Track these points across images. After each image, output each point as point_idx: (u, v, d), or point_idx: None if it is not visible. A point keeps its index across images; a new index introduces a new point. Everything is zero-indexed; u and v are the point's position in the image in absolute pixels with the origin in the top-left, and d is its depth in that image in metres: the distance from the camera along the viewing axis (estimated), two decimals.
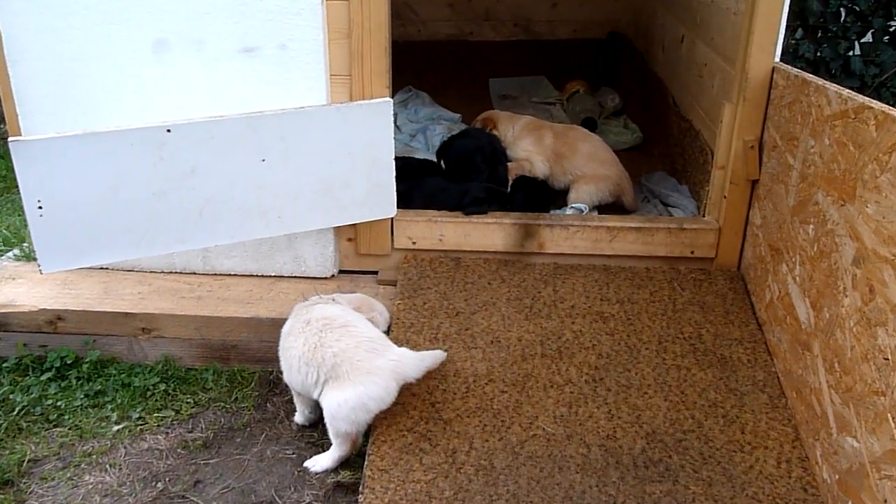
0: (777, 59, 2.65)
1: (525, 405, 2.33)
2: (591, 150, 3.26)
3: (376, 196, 2.73)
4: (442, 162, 3.21)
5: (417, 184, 3.05)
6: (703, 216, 2.98)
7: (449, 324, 2.65)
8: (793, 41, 4.55)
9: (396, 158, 2.73)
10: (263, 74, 2.58)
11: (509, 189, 3.19)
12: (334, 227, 2.88)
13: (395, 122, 3.70)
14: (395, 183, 2.74)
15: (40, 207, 2.27)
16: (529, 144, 3.29)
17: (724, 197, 2.86)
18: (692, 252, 2.92)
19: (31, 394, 2.59)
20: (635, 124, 4.30)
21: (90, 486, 2.22)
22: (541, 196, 3.19)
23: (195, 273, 3.00)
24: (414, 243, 2.96)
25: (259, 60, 2.56)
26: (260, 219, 2.59)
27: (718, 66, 3.04)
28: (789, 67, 2.59)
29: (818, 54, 4.49)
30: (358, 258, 2.99)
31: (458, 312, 2.70)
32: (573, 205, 3.17)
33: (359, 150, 2.63)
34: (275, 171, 2.54)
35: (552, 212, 3.17)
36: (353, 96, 2.66)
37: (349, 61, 2.61)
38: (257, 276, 2.98)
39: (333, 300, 2.22)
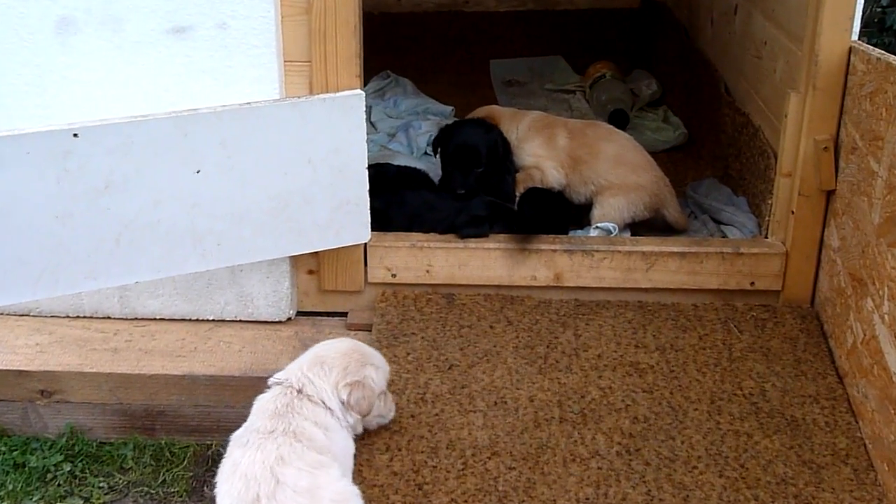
0: (855, 36, 2.71)
1: (539, 485, 2.32)
2: (618, 152, 3.28)
3: (344, 216, 2.76)
4: (438, 151, 3.28)
5: (397, 199, 3.08)
6: (766, 237, 3.04)
7: (440, 380, 2.64)
8: (878, 9, 4.59)
9: (370, 166, 2.77)
10: (198, 61, 2.61)
11: (517, 205, 3.25)
12: (291, 257, 2.90)
13: (368, 117, 3.75)
14: (368, 199, 2.78)
15: None
16: (538, 147, 3.32)
17: (792, 212, 2.91)
18: (752, 284, 2.96)
19: None
20: (678, 118, 4.30)
21: None
22: (557, 213, 3.22)
23: (110, 318, 3.00)
24: (394, 276, 2.97)
25: (192, 43, 2.59)
26: (194, 247, 2.60)
27: (782, 45, 3.09)
28: (870, 48, 2.63)
29: None
30: (321, 296, 3.00)
31: (451, 365, 2.70)
32: (598, 224, 3.20)
33: (321, 157, 2.66)
34: (213, 185, 2.56)
35: (572, 233, 3.20)
36: (314, 88, 2.70)
37: (308, 43, 2.66)
38: (191, 320, 2.99)
39: (307, 378, 2.20)
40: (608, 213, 3.21)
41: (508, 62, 5.16)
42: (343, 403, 2.23)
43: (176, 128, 2.46)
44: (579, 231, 3.25)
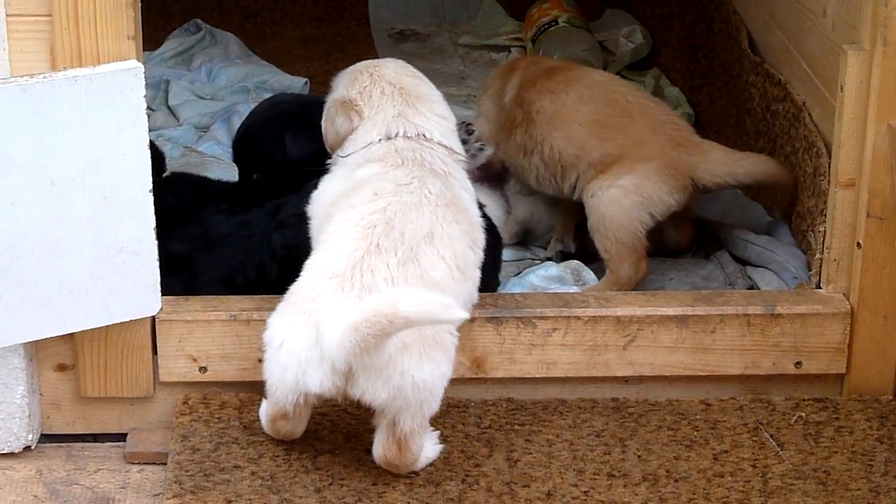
0: None
1: None
2: (590, 93, 2.94)
3: (115, 273, 2.44)
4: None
5: (212, 238, 2.70)
6: (818, 286, 2.72)
7: None
8: None
9: (164, 180, 2.61)
10: None
11: None
12: (26, 345, 2.53)
13: (164, 100, 3.48)
14: (156, 241, 2.42)
15: None
16: None
17: (858, 245, 2.59)
18: (798, 364, 2.63)
19: None
20: (676, 88, 3.92)
21: None
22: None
23: None
24: (203, 370, 2.58)
25: None
26: None
27: None
28: None
29: None
30: (82, 407, 2.61)
31: None
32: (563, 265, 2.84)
33: (72, 176, 2.36)
34: None
35: (504, 287, 2.82)
36: (59, 60, 2.41)
37: None
38: None
39: (432, 123, 2.32)
40: (609, 216, 2.77)
41: (398, 0, 4.54)
42: None
43: None
44: (537, 270, 2.85)
